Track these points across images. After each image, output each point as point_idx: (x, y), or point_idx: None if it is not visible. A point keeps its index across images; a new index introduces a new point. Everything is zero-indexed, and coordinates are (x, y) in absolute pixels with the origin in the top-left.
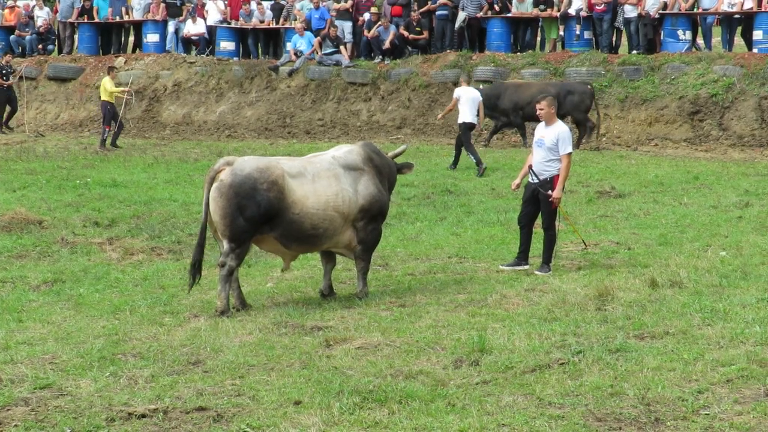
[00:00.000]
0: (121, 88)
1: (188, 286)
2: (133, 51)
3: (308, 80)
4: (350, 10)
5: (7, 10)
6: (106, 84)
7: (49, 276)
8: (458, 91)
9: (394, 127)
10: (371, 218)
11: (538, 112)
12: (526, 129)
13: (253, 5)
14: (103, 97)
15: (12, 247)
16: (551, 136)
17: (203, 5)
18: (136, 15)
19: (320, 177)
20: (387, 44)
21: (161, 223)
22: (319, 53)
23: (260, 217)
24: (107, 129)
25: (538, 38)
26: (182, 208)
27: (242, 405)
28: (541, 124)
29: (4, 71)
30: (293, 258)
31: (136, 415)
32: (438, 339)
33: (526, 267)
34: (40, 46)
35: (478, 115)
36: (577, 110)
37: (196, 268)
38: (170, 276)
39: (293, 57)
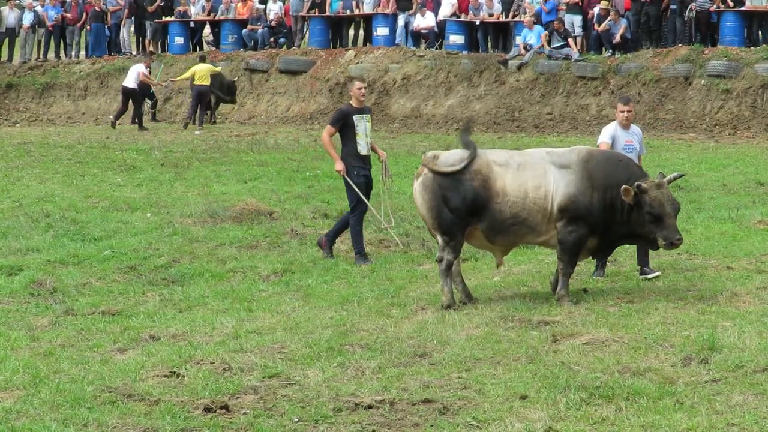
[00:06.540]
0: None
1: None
2: (363, 44)
3: (537, 74)
4: (580, 3)
5: (239, 4)
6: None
7: (278, 266)
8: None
9: None
10: (569, 219)
11: (626, 115)
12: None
13: None
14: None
15: (243, 237)
16: (637, 140)
17: None
18: (366, 8)
19: (525, 167)
20: (617, 38)
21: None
22: (548, 48)
23: (466, 208)
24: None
25: None
26: (410, 201)
27: (468, 398)
28: (618, 129)
29: None
30: (503, 253)
31: (362, 406)
32: (667, 336)
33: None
34: (271, 40)
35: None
36: (221, 90)
37: None
38: (398, 268)
39: (522, 51)
